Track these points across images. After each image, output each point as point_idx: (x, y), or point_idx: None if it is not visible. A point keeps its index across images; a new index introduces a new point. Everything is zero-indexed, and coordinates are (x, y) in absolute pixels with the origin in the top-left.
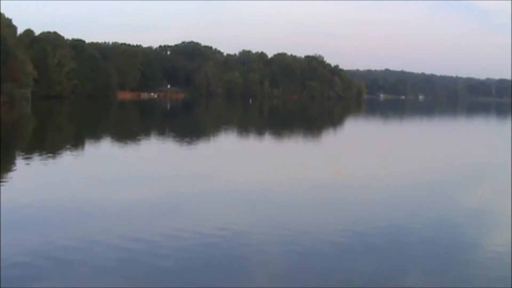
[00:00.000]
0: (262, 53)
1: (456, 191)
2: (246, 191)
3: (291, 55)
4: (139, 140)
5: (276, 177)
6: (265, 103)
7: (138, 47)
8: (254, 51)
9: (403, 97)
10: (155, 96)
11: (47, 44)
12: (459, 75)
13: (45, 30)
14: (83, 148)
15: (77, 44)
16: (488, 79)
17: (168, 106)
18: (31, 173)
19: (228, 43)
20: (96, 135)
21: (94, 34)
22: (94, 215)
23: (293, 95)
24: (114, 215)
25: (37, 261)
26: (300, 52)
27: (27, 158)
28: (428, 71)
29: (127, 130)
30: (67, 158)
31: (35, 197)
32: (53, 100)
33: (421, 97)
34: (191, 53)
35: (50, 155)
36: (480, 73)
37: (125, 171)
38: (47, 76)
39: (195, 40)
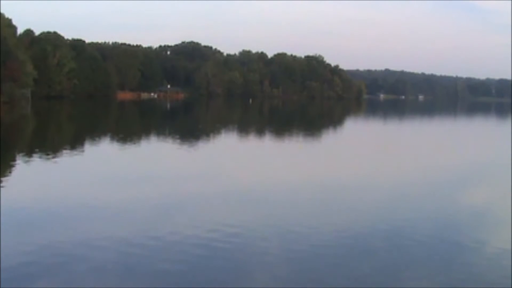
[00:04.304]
0: (262, 53)
1: (456, 191)
2: (245, 192)
3: (291, 55)
4: (139, 140)
5: (276, 177)
6: (265, 103)
7: (138, 47)
8: (254, 51)
9: (403, 97)
10: (155, 96)
11: (47, 44)
12: (459, 75)
13: (45, 30)
14: (83, 148)
15: (77, 44)
16: (488, 79)
17: (168, 106)
18: (31, 173)
19: (228, 43)
20: (96, 135)
21: (94, 34)
22: (94, 216)
23: (293, 95)
24: (114, 215)
25: (37, 261)
26: (300, 52)
27: (27, 158)
28: (428, 71)
29: (127, 130)
30: (67, 158)
31: (35, 197)
32: (53, 100)
33: (421, 97)
34: (191, 53)
35: (50, 155)
36: (480, 73)
37: (125, 171)
38: (47, 76)
39: (195, 40)
